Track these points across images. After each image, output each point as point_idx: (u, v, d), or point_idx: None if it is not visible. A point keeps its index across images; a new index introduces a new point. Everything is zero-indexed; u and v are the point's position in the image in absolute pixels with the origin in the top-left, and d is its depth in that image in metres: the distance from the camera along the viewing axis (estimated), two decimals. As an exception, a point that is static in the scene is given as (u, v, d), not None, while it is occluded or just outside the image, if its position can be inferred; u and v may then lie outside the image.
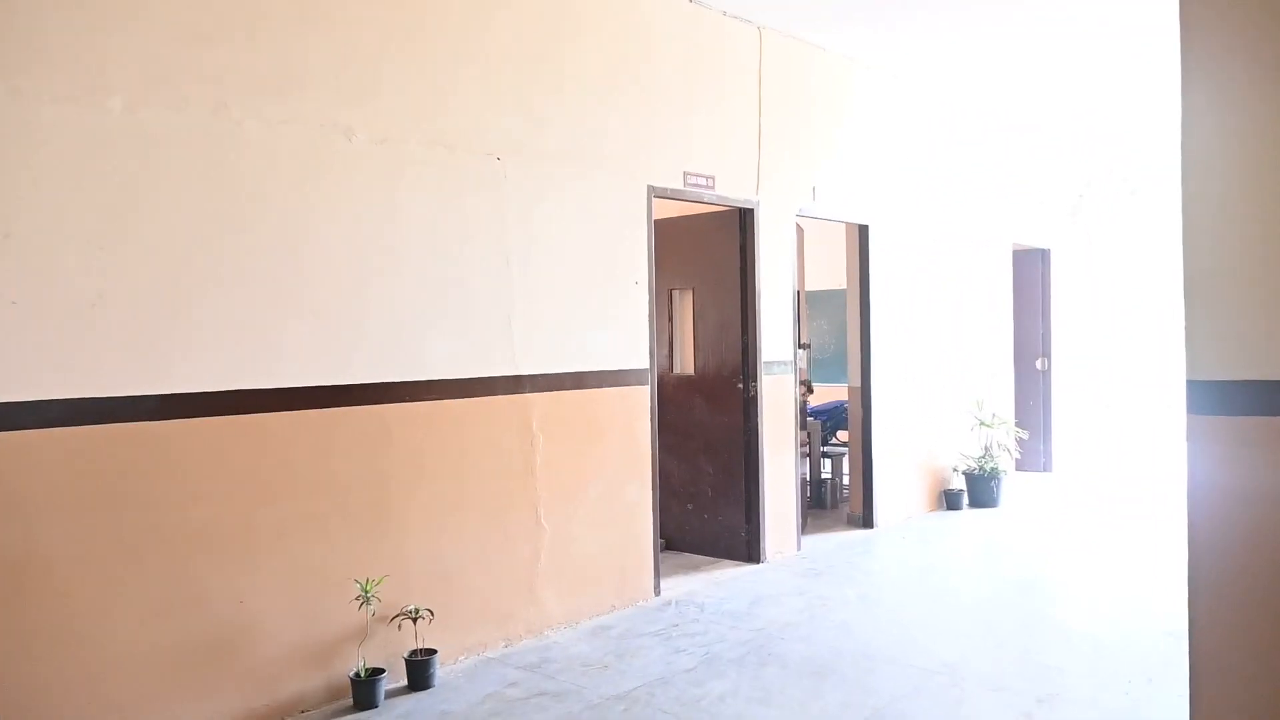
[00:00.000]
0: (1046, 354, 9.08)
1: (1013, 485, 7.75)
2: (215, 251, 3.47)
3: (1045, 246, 8.99)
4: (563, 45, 4.70)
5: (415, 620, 3.92)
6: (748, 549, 5.89)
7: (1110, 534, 6.53)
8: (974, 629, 4.53)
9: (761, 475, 5.85)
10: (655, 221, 5.36)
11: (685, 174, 5.36)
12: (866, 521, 6.83)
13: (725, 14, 5.59)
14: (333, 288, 3.80)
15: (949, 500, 7.48)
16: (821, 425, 7.81)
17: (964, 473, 7.56)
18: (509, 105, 4.45)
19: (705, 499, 6.06)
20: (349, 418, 3.84)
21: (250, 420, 3.56)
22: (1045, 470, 8.98)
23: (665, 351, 6.21)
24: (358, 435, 3.87)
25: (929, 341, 7.38)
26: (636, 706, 3.68)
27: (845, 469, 7.67)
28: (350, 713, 3.69)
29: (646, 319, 5.13)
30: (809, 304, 9.37)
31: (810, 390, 7.27)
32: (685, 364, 6.21)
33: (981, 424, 7.62)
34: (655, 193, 5.19)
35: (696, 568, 5.78)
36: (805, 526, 6.46)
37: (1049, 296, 9.08)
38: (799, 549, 6.12)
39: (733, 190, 5.66)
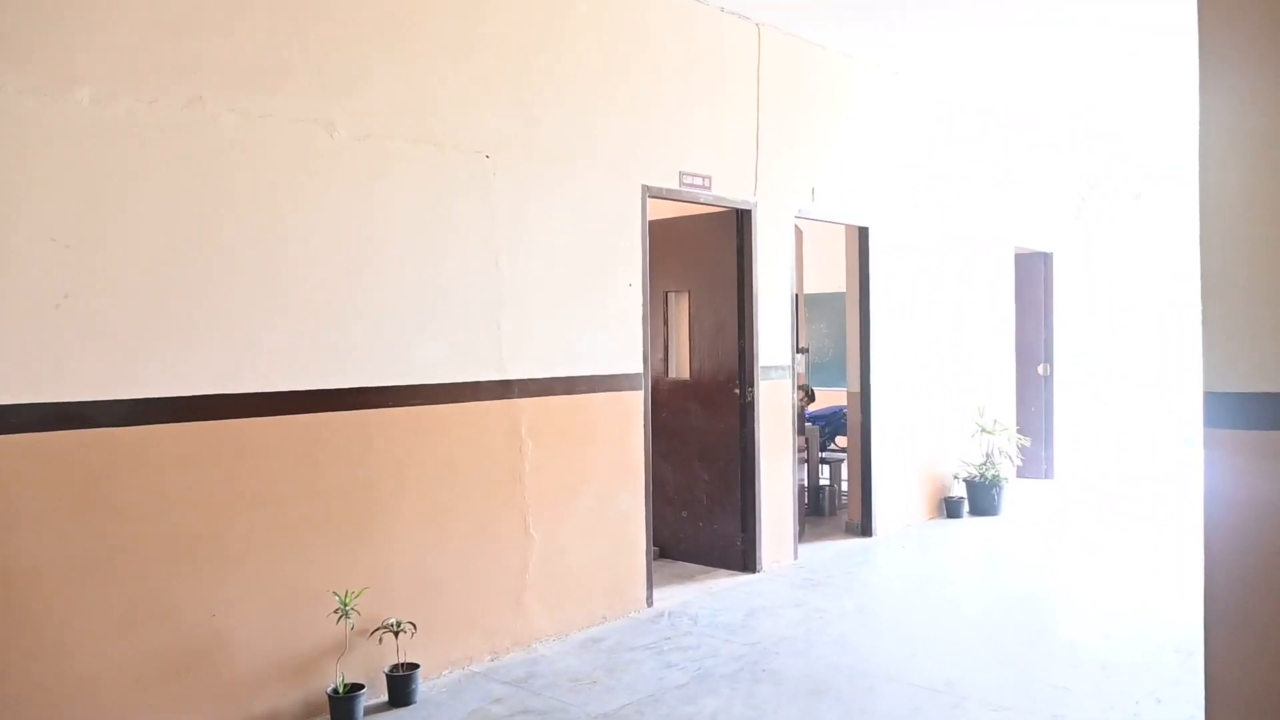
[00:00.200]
0: (1049, 359, 8.94)
1: (1014, 493, 7.61)
2: (189, 250, 3.33)
3: (1048, 250, 8.86)
4: (556, 40, 4.57)
5: (397, 633, 3.78)
6: (743, 558, 5.75)
7: (1114, 544, 6.39)
8: (976, 644, 4.39)
9: (758, 483, 5.71)
10: (650, 222, 5.22)
11: (681, 174, 5.23)
12: (865, 530, 6.69)
13: (723, 10, 5.45)
14: (313, 289, 3.66)
15: (949, 508, 7.34)
16: (820, 431, 7.67)
17: (965, 480, 7.42)
18: (499, 101, 4.31)
19: (700, 507, 5.92)
20: (329, 423, 3.70)
21: (226, 426, 3.42)
22: (1047, 477, 8.84)
23: (660, 355, 6.08)
24: (338, 442, 3.73)
25: (930, 346, 7.25)
26: (625, 726, 3.54)
27: (844, 475, 7.54)
28: (328, 730, 3.56)
29: (640, 322, 4.99)
30: (807, 307, 9.24)
31: (811, 397, 7.13)
32: (681, 368, 6.07)
33: (983, 430, 7.48)
34: (650, 193, 5.05)
35: (691, 577, 5.64)
36: (802, 535, 6.32)
37: (1051, 301, 8.95)
38: (796, 558, 5.98)
39: (730, 191, 5.53)
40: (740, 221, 5.69)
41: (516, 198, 4.38)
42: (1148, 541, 6.44)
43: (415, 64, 3.98)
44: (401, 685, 3.75)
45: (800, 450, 6.27)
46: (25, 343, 2.98)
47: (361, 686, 3.67)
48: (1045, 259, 8.92)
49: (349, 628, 3.64)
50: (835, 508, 7.52)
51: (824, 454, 7.75)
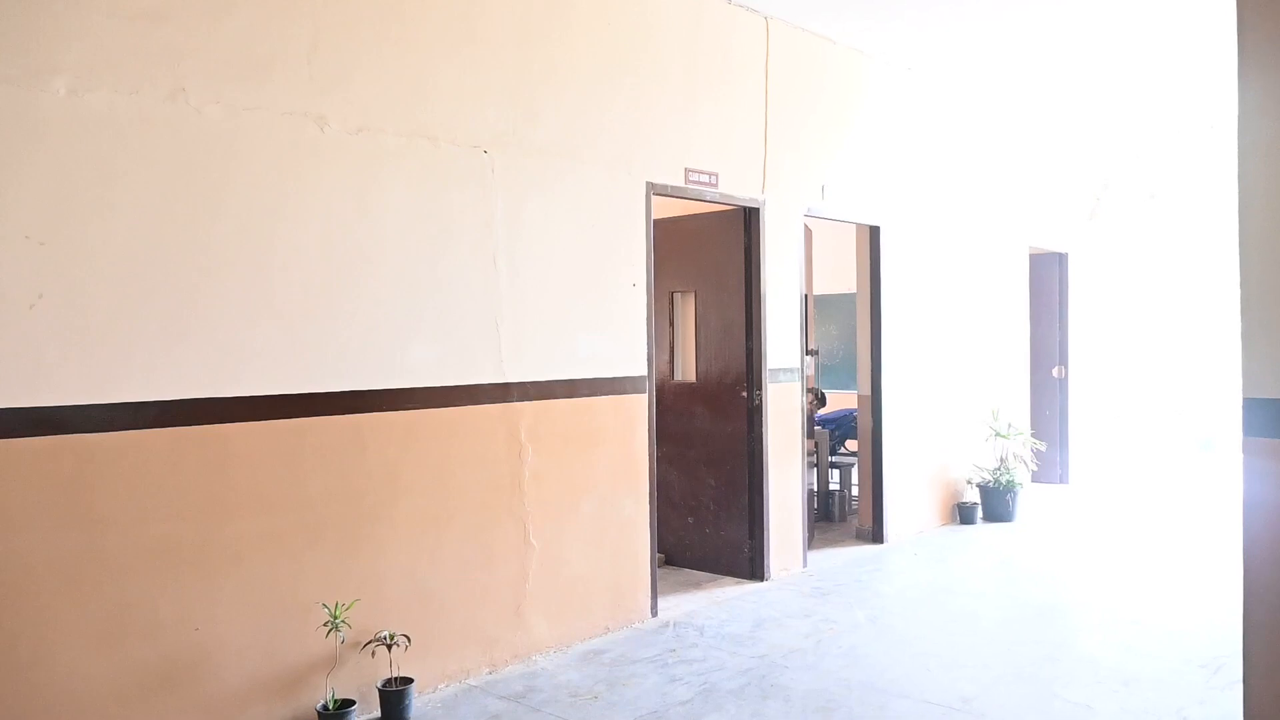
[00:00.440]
0: (1064, 362, 8.75)
1: (1029, 498, 7.43)
2: (172, 249, 3.19)
3: (1063, 250, 8.67)
4: (556, 31, 4.42)
5: (390, 646, 3.64)
6: (751, 566, 5.59)
7: (1133, 552, 6.21)
8: (993, 658, 4.22)
9: (766, 488, 5.55)
10: (655, 221, 5.07)
11: (687, 170, 5.08)
12: (876, 536, 6.53)
13: (730, 2, 5.30)
14: (302, 288, 3.52)
15: (962, 514, 7.16)
16: (829, 434, 7.50)
17: (978, 485, 7.25)
18: (497, 94, 4.17)
19: (707, 513, 5.77)
20: (319, 428, 3.56)
21: (209, 431, 3.28)
22: (1062, 482, 8.65)
23: (666, 357, 5.92)
24: (328, 447, 3.59)
25: (942, 348, 7.08)
26: (627, 745, 3.39)
27: (854, 480, 7.37)
28: (317, 748, 3.41)
29: (645, 323, 4.84)
30: (817, 308, 9.07)
31: (822, 401, 6.96)
32: (687, 370, 5.92)
33: (997, 434, 7.31)
34: (655, 190, 4.90)
35: (697, 585, 5.49)
36: (812, 541, 6.16)
37: (1066, 302, 8.76)
38: (805, 566, 5.82)
39: (737, 188, 5.37)
40: (748, 220, 5.54)
41: (515, 194, 4.24)
42: (1167, 549, 6.26)
43: (409, 55, 3.84)
44: (395, 700, 3.61)
45: (809, 454, 6.11)
46: (-3, 344, 2.85)
47: (353, 702, 3.52)
48: (1060, 259, 8.74)
49: (339, 641, 3.50)
50: (845, 513, 7.35)
51: (834, 458, 7.58)
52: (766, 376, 5.55)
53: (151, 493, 3.15)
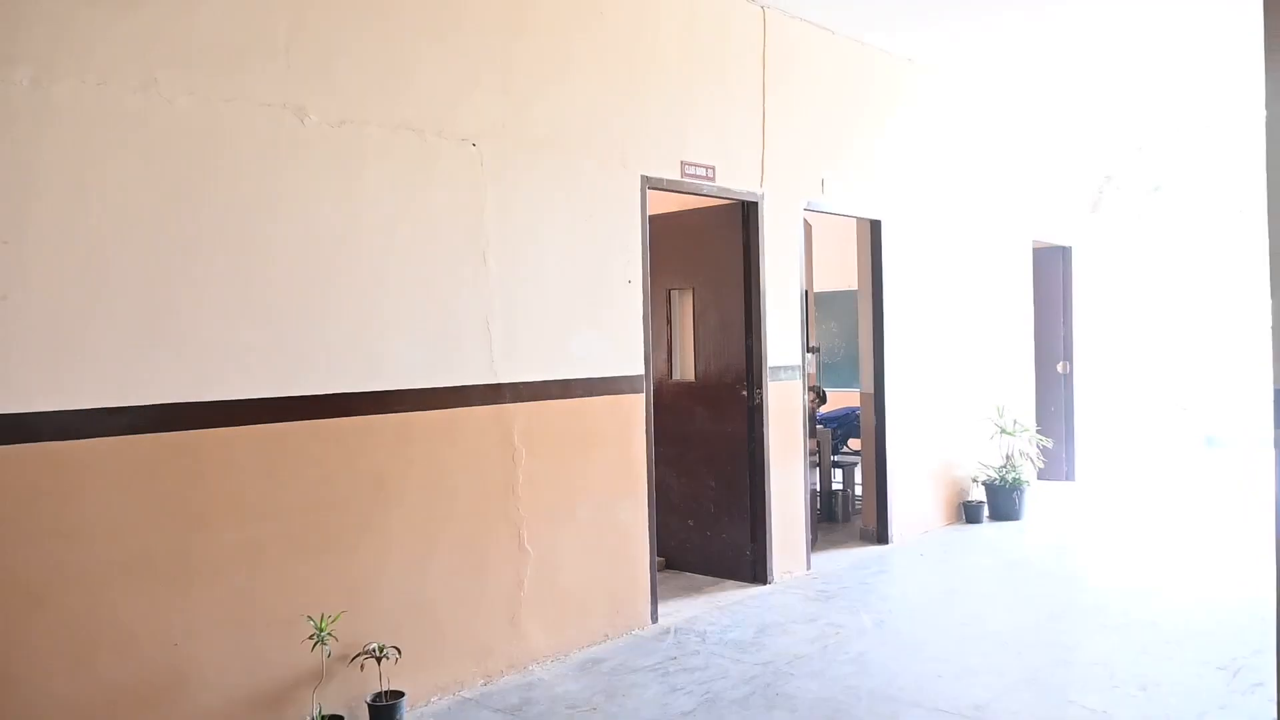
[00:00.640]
0: (1068, 357, 8.61)
1: (1035, 496, 7.28)
2: (143, 247, 3.05)
3: (1067, 244, 8.54)
4: (547, 20, 4.28)
5: (380, 659, 3.49)
6: (753, 569, 5.45)
7: (1143, 550, 6.07)
8: (1005, 663, 4.08)
9: (768, 489, 5.41)
10: (652, 216, 4.93)
11: (683, 164, 4.94)
12: (881, 537, 6.38)
13: (726, -9, 5.17)
14: (283, 287, 3.38)
15: (968, 513, 7.02)
16: (832, 433, 7.37)
17: (984, 483, 7.11)
18: (486, 86, 4.03)
19: (707, 515, 5.62)
20: (302, 433, 3.42)
21: (186, 438, 3.14)
22: (1068, 479, 8.51)
23: (663, 356, 5.78)
24: (312, 453, 3.44)
25: (946, 344, 6.93)
26: (626, 760, 3.25)
27: (857, 479, 7.23)
28: (303, 767, 3.27)
29: (641, 321, 4.70)
30: (817, 305, 8.93)
31: (823, 399, 6.82)
32: (685, 369, 5.78)
33: (1003, 431, 7.17)
34: (650, 183, 4.76)
35: (698, 590, 5.34)
36: (815, 542, 6.02)
37: (1070, 296, 8.62)
38: (808, 568, 5.68)
39: (735, 182, 5.23)
40: (746, 214, 5.40)
41: (506, 189, 4.09)
42: (1177, 548, 6.12)
43: (394, 44, 3.70)
44: (385, 715, 3.46)
45: (811, 454, 5.97)
46: (-42, 348, 2.71)
47: (341, 718, 3.39)
48: (1064, 253, 8.60)
49: (325, 654, 3.35)
50: (849, 513, 7.21)
51: (836, 457, 7.45)
52: (767, 375, 5.41)
53: (125, 503, 3.01)
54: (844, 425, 7.54)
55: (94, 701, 2.93)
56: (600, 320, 4.50)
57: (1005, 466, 7.09)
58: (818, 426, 6.97)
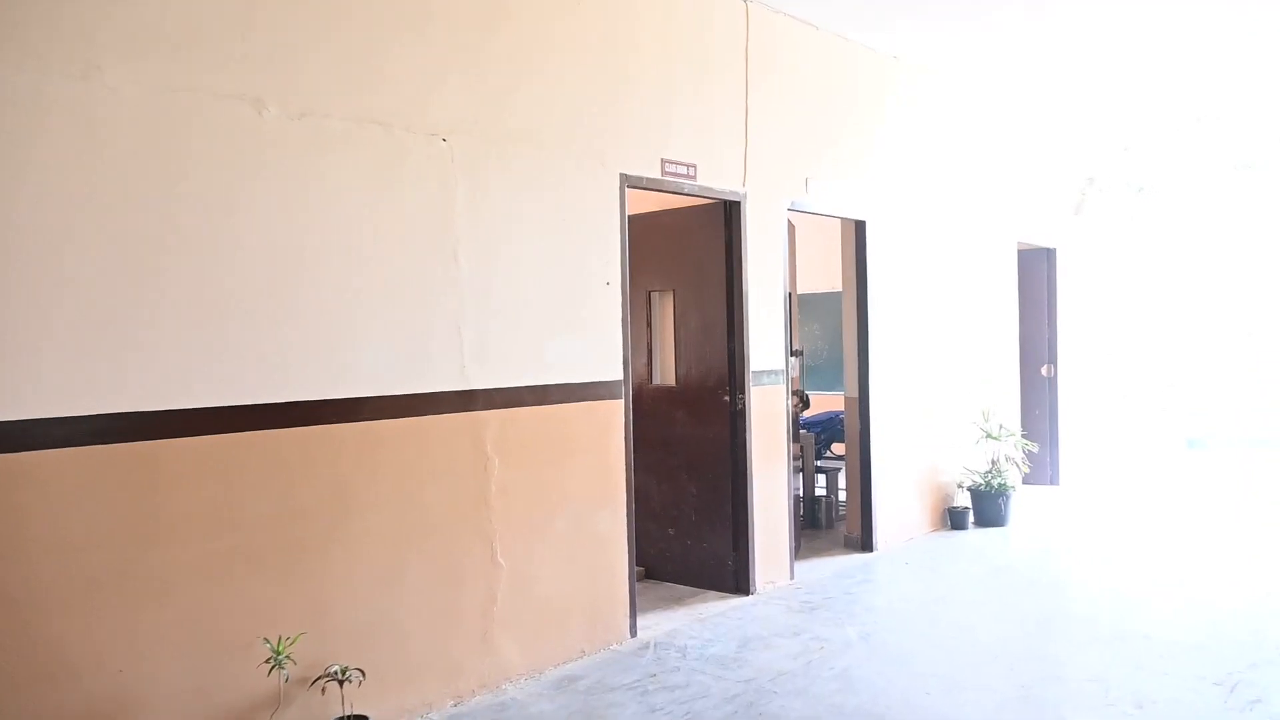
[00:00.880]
0: (1053, 360, 8.52)
1: (1020, 501, 7.17)
2: (87, 247, 2.86)
3: (1051, 245, 8.44)
4: (521, 11, 4.11)
5: (342, 682, 3.30)
6: (735, 579, 5.29)
7: (1132, 557, 5.96)
8: (995, 678, 3.94)
9: (750, 497, 5.25)
10: (631, 216, 4.78)
11: (664, 162, 4.78)
12: (865, 544, 6.25)
13: (707, -17, 5.01)
14: (239, 289, 3.19)
15: (953, 519, 6.90)
16: (815, 438, 7.23)
17: (969, 489, 6.99)
18: (457, 78, 3.85)
19: (688, 523, 5.46)
20: (259, 444, 3.23)
21: (134, 449, 2.94)
22: (1053, 483, 8.41)
23: (643, 360, 5.62)
24: (270, 464, 3.25)
25: (931, 347, 6.81)
26: (602, 788, 3.08)
27: (841, 484, 7.10)
28: (259, 798, 3.08)
29: (620, 324, 4.54)
30: (801, 307, 8.79)
31: (806, 403, 6.67)
32: (666, 374, 5.62)
33: (988, 436, 7.05)
34: (629, 182, 4.60)
35: (679, 601, 5.18)
36: (798, 551, 5.87)
37: (1055, 299, 8.53)
38: (792, 578, 5.53)
39: (717, 181, 5.08)
40: (728, 214, 5.24)
41: (478, 186, 3.92)
42: (1165, 555, 6.02)
43: (359, 32, 3.52)
44: (347, 741, 3.28)
45: (794, 458, 5.83)
46: (-121, 355, 2.51)
47: (300, 745, 3.20)
48: (1048, 255, 8.50)
49: (283, 679, 3.16)
50: (833, 520, 7.07)
51: (820, 462, 7.31)
52: (749, 379, 5.26)
53: (68, 518, 2.81)
54: (828, 430, 7.41)
55: (31, 733, 2.73)
56: (577, 324, 4.33)
57: (990, 472, 6.97)
58: (801, 431, 6.83)
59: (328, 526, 3.40)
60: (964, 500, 7.00)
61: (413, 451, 3.67)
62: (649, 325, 5.63)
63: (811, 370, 8.74)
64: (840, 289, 6.38)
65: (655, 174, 4.73)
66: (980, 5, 5.62)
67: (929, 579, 5.58)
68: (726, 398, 5.27)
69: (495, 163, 3.98)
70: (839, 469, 7.16)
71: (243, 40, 3.19)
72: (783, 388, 5.51)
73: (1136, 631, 4.48)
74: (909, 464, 6.58)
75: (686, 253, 5.42)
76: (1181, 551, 6.07)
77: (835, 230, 6.41)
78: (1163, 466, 9.70)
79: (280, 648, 3.12)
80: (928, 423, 6.75)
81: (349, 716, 3.31)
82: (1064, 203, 8.66)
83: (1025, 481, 7.64)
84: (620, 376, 4.53)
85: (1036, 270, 8.49)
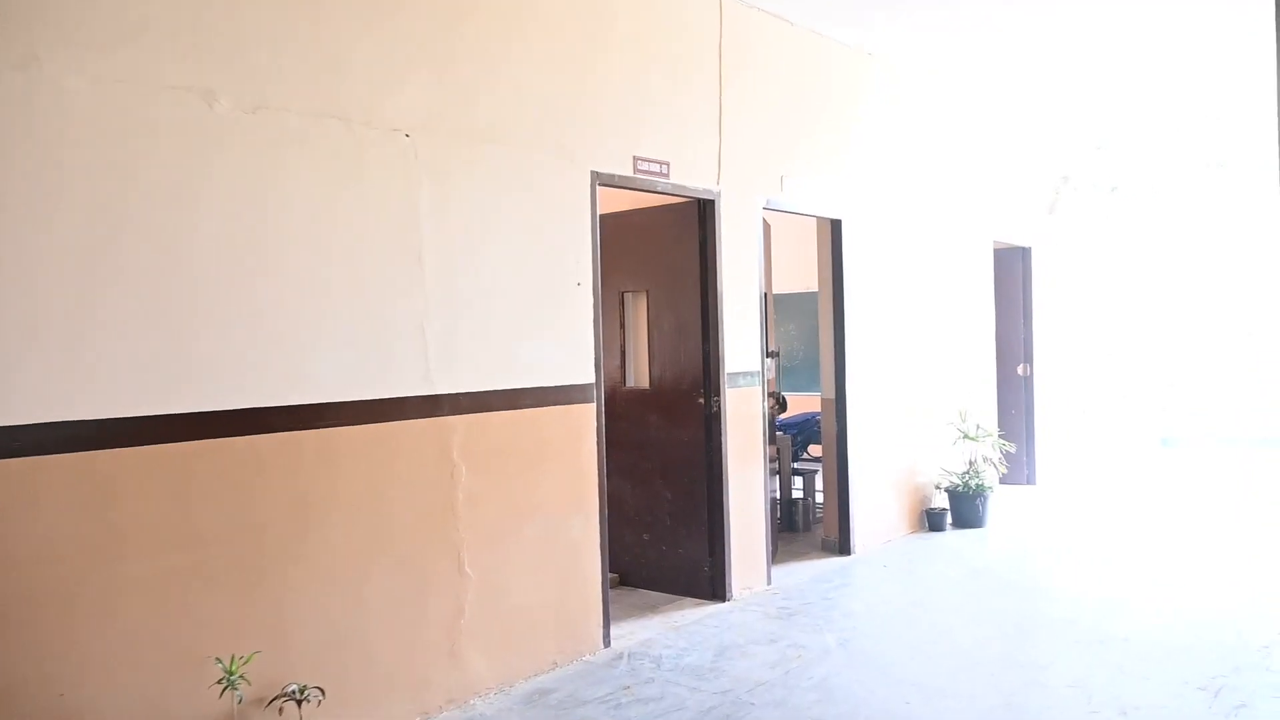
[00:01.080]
0: (1029, 359, 8.49)
1: (998, 502, 7.12)
2: (24, 245, 2.70)
3: (1026, 244, 8.41)
4: (490, 1, 3.98)
5: (300, 701, 3.17)
6: (711, 585, 5.19)
7: (1109, 558, 5.91)
8: (976, 685, 3.86)
9: (726, 501, 5.15)
10: (603, 215, 4.66)
11: (636, 159, 4.66)
12: (843, 547, 6.16)
13: (680, -23, 4.91)
14: (189, 291, 3.04)
15: (931, 520, 6.84)
16: (792, 440, 7.13)
17: (947, 490, 6.93)
18: (421, 71, 3.72)
19: (663, 528, 5.35)
20: (212, 453, 3.08)
21: (76, 460, 2.79)
22: (1029, 483, 8.38)
23: (617, 362, 5.50)
24: (223, 475, 3.10)
25: (908, 347, 6.74)
26: (573, 809, 2.96)
27: (818, 486, 7.02)
28: (213, 825, 2.94)
29: (592, 326, 4.42)
30: (777, 308, 8.70)
31: (783, 406, 6.58)
32: (640, 376, 5.50)
33: (965, 437, 6.99)
34: (600, 180, 4.48)
35: (654, 608, 5.07)
36: (776, 555, 5.77)
37: (1030, 298, 8.50)
38: (769, 583, 5.43)
39: (690, 179, 4.97)
40: (702, 213, 5.14)
41: (443, 184, 3.79)
42: (1143, 555, 5.98)
43: (317, 23, 3.38)
44: (307, 763, 3.14)
45: (771, 461, 5.73)
46: None
47: (256, 768, 3.06)
48: (1023, 254, 8.47)
49: (236, 700, 3.02)
50: (810, 523, 6.99)
51: (797, 464, 7.22)
52: (725, 381, 5.15)
53: (8, 532, 2.66)
54: (804, 431, 7.32)
55: (-36, 763, 2.58)
56: (547, 325, 4.21)
57: (968, 472, 6.92)
58: (777, 433, 6.74)
59: (285, 539, 3.25)
60: (941, 501, 6.94)
61: (376, 459, 3.53)
62: (622, 327, 5.51)
63: (788, 371, 8.66)
64: (816, 289, 6.30)
65: (627, 171, 4.62)
66: (954, 7, 5.57)
67: (907, 582, 5.50)
68: (701, 400, 5.17)
69: (461, 160, 3.85)
70: (816, 471, 7.07)
71: (192, 30, 3.05)
72: (758, 389, 5.41)
73: (1117, 634, 4.42)
74: (886, 465, 6.51)
75: (660, 252, 5.31)
76: (1160, 551, 6.03)
77: (811, 230, 6.33)
78: (1138, 465, 9.72)
79: (233, 667, 2.98)
80: (905, 424, 6.69)
81: (309, 737, 3.17)
82: (1039, 202, 8.63)
83: (1002, 482, 7.59)
84: (592, 379, 4.41)
85: (1012, 269, 8.45)
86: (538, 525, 4.14)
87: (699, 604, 5.11)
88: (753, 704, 3.73)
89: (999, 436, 7.38)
